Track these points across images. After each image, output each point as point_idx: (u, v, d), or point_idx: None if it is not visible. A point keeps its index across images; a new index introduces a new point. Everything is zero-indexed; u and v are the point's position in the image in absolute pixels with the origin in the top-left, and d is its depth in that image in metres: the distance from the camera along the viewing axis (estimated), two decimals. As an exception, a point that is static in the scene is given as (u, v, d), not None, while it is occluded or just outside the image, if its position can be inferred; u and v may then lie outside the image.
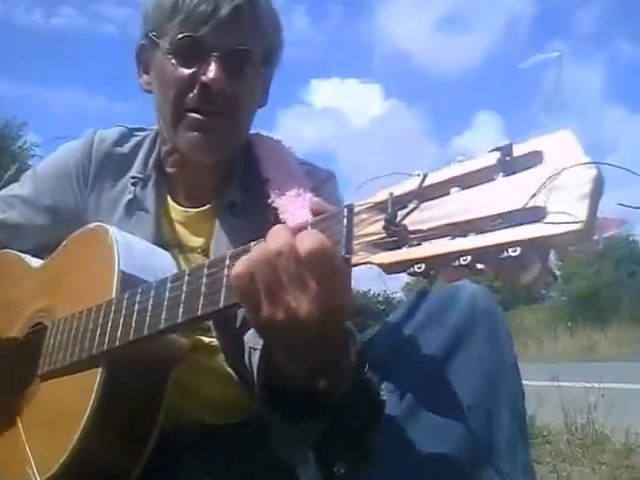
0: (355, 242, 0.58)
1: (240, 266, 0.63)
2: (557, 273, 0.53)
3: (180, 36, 0.97)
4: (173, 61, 0.99)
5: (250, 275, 0.62)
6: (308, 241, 0.60)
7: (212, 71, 0.97)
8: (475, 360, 0.86)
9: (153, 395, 0.86)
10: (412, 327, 0.91)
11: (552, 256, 0.51)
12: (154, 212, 1.06)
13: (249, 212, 1.03)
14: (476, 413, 0.84)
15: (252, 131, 1.11)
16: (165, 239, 1.04)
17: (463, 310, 0.87)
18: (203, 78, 0.97)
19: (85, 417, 0.81)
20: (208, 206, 1.07)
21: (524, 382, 0.90)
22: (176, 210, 1.09)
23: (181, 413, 0.97)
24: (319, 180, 1.07)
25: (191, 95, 0.99)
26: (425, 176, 0.55)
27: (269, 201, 0.97)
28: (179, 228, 1.08)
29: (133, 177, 1.09)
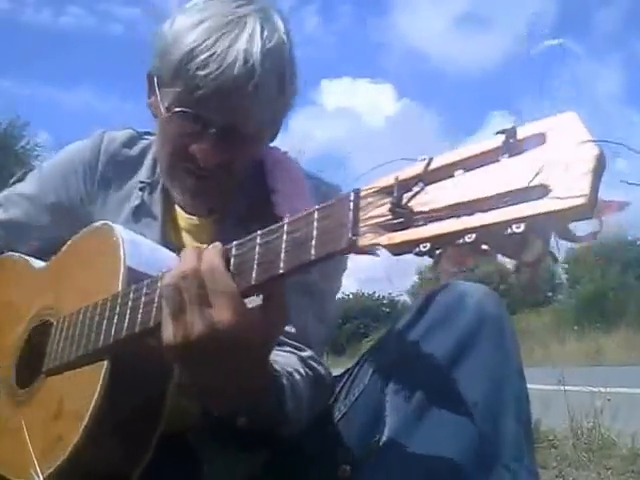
0: (361, 224, 0.59)
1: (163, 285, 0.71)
2: (557, 255, 0.54)
3: (177, 109, 0.95)
4: (171, 121, 0.97)
5: (163, 296, 0.71)
6: (205, 259, 0.68)
7: (207, 151, 0.95)
8: (481, 365, 0.86)
9: (157, 390, 0.85)
10: (419, 332, 0.91)
11: (553, 239, 0.52)
12: (161, 219, 1.07)
13: (254, 224, 1.02)
14: (482, 418, 0.84)
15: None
16: (171, 246, 1.02)
17: (470, 315, 0.87)
18: (198, 155, 0.95)
19: (89, 413, 0.80)
20: (214, 216, 1.07)
21: (529, 386, 0.90)
22: (182, 217, 1.09)
23: (184, 411, 0.96)
24: (325, 196, 1.05)
25: (186, 155, 0.97)
26: (430, 160, 0.56)
27: (275, 212, 0.95)
28: (185, 235, 1.08)
29: (141, 182, 1.09)
